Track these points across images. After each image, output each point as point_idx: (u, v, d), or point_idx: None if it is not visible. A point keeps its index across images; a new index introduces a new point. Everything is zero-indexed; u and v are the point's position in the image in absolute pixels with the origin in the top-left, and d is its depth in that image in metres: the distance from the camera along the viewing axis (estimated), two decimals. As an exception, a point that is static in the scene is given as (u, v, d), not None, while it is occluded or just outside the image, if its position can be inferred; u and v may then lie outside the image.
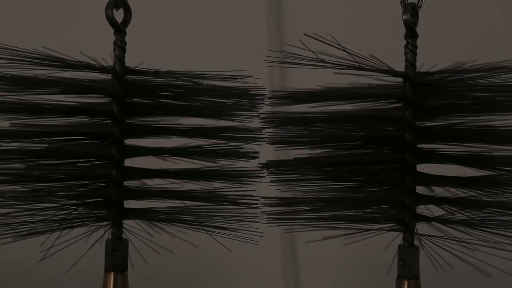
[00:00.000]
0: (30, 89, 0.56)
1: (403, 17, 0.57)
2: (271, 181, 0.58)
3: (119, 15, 0.58)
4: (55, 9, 0.90)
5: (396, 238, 0.60)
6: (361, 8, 0.89)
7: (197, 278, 0.86)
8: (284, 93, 0.58)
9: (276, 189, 0.58)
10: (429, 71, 0.57)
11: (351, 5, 0.90)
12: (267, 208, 0.58)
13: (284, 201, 0.58)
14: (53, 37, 0.83)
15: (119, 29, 0.57)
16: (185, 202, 0.58)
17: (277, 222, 0.58)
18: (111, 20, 0.57)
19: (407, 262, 0.58)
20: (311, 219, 0.58)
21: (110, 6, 0.57)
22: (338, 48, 0.54)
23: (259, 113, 0.58)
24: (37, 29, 0.86)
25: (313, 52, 0.54)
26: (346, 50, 0.54)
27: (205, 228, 0.58)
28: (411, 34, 0.57)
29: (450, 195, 0.58)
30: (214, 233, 0.58)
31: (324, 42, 0.53)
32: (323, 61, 0.55)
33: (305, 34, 0.53)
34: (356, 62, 0.55)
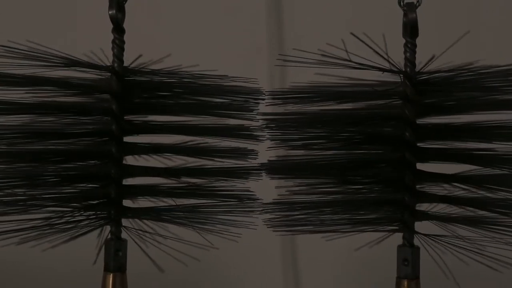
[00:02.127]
0: (32, 89, 0.56)
1: (409, 16, 0.57)
2: (276, 187, 0.58)
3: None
4: (54, 10, 0.90)
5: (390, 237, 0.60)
6: (360, 9, 0.89)
7: (196, 278, 0.85)
8: (284, 91, 0.58)
9: (270, 181, 0.59)
10: (429, 69, 0.57)
11: (351, 6, 0.90)
12: (268, 214, 0.58)
13: (284, 206, 0.58)
14: (52, 37, 0.83)
15: (121, 28, 0.57)
16: (177, 200, 0.59)
17: (278, 228, 0.58)
18: (115, 19, 0.57)
19: (411, 263, 0.58)
20: (311, 224, 0.58)
21: (114, 6, 0.57)
22: (383, 57, 0.54)
23: (258, 113, 0.58)
24: (36, 30, 0.86)
25: (347, 52, 0.54)
26: (390, 60, 0.55)
27: (199, 225, 0.58)
28: (414, 33, 0.57)
29: (451, 192, 0.58)
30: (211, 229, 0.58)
31: (372, 49, 0.53)
32: (350, 61, 0.55)
33: (351, 33, 0.53)
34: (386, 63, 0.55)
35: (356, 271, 0.87)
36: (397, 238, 0.60)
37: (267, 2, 0.91)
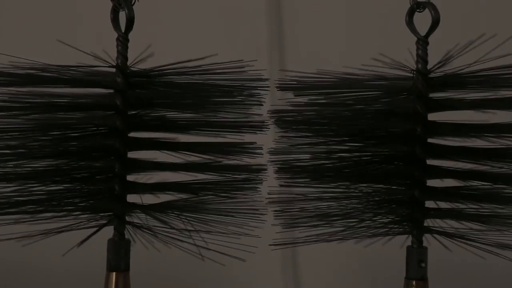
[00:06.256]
0: (40, 85, 0.56)
1: (434, 15, 0.57)
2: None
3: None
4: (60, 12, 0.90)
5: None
6: (360, 9, 0.89)
7: (195, 277, 0.85)
8: (291, 82, 0.58)
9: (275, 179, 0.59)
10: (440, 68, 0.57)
11: (350, 6, 0.90)
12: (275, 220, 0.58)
13: (291, 216, 0.59)
14: (51, 37, 0.83)
15: (130, 28, 0.58)
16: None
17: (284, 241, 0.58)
18: (132, 20, 0.58)
19: (426, 263, 0.58)
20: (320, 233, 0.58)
21: (131, 7, 0.58)
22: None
23: (267, 111, 0.58)
24: (39, 30, 0.87)
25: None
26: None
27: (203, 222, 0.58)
28: (433, 31, 0.57)
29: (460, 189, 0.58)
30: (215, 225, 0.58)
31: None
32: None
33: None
34: None
35: (356, 271, 0.87)
36: (397, 236, 0.60)
37: (267, 2, 0.91)
